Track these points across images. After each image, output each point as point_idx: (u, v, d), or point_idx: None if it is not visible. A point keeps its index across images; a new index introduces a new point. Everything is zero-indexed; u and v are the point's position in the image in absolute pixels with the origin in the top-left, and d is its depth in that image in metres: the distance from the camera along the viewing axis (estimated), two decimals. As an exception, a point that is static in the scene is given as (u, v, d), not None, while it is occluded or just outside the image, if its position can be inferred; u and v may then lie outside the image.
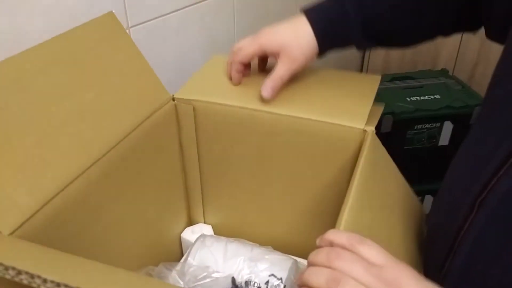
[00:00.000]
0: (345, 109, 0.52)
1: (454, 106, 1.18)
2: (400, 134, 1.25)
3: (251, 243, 0.59)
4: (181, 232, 0.66)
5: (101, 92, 0.49)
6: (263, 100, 0.54)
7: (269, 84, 0.53)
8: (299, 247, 0.62)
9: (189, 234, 0.66)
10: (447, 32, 0.55)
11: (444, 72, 1.35)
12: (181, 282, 0.43)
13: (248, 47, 0.54)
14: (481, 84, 1.38)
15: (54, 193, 0.41)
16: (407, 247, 0.46)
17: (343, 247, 0.32)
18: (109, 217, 0.50)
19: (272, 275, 0.53)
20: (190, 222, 0.69)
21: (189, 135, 0.60)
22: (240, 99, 0.56)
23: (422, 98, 1.20)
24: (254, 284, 0.53)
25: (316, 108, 0.53)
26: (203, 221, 0.68)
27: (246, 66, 0.57)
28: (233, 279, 0.42)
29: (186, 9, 0.80)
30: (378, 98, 0.53)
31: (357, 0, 0.51)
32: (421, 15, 0.52)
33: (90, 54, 0.49)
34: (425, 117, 1.16)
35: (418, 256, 0.48)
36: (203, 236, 0.60)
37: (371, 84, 0.55)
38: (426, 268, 0.45)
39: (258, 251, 0.56)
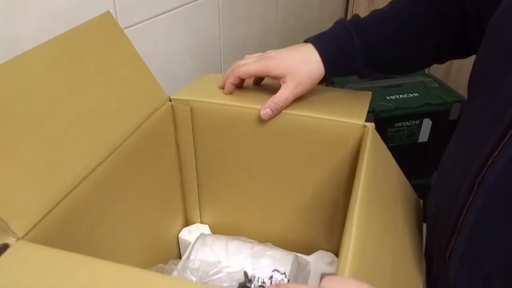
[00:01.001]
0: (343, 108, 0.53)
1: (432, 103, 1.22)
2: (381, 132, 1.28)
3: (251, 240, 0.60)
4: (178, 233, 0.66)
5: (102, 94, 0.49)
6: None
7: (270, 106, 0.54)
8: (298, 243, 0.63)
9: (187, 234, 0.66)
10: (442, 59, 0.59)
11: (421, 71, 1.40)
12: (194, 279, 0.43)
13: (253, 65, 0.55)
14: (456, 81, 1.43)
15: (63, 195, 0.41)
16: (411, 237, 0.48)
17: None
18: (113, 217, 0.49)
19: (276, 270, 0.54)
20: (187, 223, 0.69)
21: (185, 135, 0.60)
22: (237, 99, 0.57)
23: (401, 96, 1.23)
24: (258, 279, 0.53)
25: (314, 107, 0.54)
26: (199, 221, 0.68)
27: (242, 80, 0.58)
28: (246, 273, 0.43)
29: (173, 11, 0.80)
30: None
31: (361, 29, 0.54)
32: (421, 44, 0.56)
33: (90, 55, 0.49)
34: (405, 115, 1.19)
35: (421, 247, 0.49)
36: (203, 235, 0.60)
37: (363, 95, 0.58)
38: (431, 249, 0.47)
39: (259, 248, 0.57)
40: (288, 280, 0.53)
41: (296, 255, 0.57)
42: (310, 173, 0.57)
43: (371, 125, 0.51)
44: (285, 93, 0.53)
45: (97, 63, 0.50)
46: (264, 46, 1.17)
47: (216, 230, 0.66)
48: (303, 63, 0.53)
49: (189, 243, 0.64)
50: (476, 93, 0.46)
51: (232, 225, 0.66)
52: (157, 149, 0.57)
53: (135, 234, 0.55)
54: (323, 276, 0.59)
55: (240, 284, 0.42)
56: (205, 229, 0.67)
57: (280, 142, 0.56)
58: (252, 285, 0.42)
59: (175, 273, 0.45)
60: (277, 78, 0.54)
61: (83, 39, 0.49)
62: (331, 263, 0.60)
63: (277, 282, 0.53)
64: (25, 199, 0.38)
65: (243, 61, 0.57)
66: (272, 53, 0.55)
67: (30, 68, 0.43)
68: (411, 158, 1.27)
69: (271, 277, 0.53)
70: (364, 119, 0.52)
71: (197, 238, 0.60)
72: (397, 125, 1.21)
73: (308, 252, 0.62)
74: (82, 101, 0.47)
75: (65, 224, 0.41)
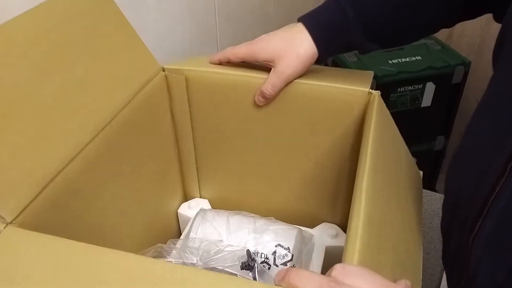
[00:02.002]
0: (347, 78, 0.50)
1: (435, 66, 1.18)
2: (383, 97, 1.26)
3: (253, 215, 0.58)
4: (177, 208, 0.64)
5: (92, 65, 0.45)
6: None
7: (260, 94, 0.52)
8: (301, 216, 0.61)
9: (186, 209, 0.64)
10: (449, 24, 0.54)
11: (423, 33, 1.35)
12: (194, 259, 0.41)
13: (240, 48, 0.52)
14: (459, 44, 1.39)
15: (53, 174, 0.39)
16: (412, 211, 0.46)
17: None
18: (108, 196, 0.47)
19: (279, 245, 0.52)
20: (186, 198, 0.67)
21: (181, 107, 0.57)
22: (234, 67, 0.54)
23: (403, 60, 1.20)
24: (261, 255, 0.52)
25: (317, 75, 0.51)
26: (199, 195, 0.66)
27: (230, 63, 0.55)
28: (248, 252, 0.41)
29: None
30: (363, 65, 0.52)
31: (355, 2, 0.49)
32: (424, 11, 0.50)
33: (77, 23, 0.46)
34: (408, 79, 1.16)
35: (420, 221, 0.47)
36: (202, 210, 0.58)
37: (366, 73, 0.53)
38: (449, 225, 0.44)
39: (261, 222, 0.55)
40: (292, 255, 0.52)
41: (300, 229, 0.55)
42: (313, 143, 0.54)
43: (377, 92, 0.48)
44: (272, 78, 0.50)
45: (85, 32, 0.46)
46: (261, 15, 1.12)
47: (216, 205, 0.65)
48: (291, 44, 0.49)
49: (189, 219, 0.62)
50: (505, 64, 0.41)
51: (233, 199, 0.64)
52: (151, 122, 0.54)
53: (131, 211, 0.53)
54: (327, 249, 0.57)
55: (243, 263, 0.40)
56: (205, 203, 0.65)
57: (281, 111, 0.53)
58: (255, 264, 0.40)
59: (174, 253, 0.44)
60: (265, 62, 0.51)
61: (69, 7, 0.46)
62: (336, 235, 0.59)
63: (281, 257, 0.52)
64: (12, 180, 0.36)
65: (233, 47, 0.54)
66: (261, 36, 0.52)
67: (13, 39, 0.40)
68: (414, 124, 1.26)
69: (274, 253, 0.52)
70: (369, 86, 0.49)
71: (197, 214, 0.58)
72: (400, 90, 1.18)
73: (311, 225, 0.60)
74: (70, 73, 0.43)
75: (56, 205, 0.39)
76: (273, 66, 0.50)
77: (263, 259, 0.52)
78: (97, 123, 0.44)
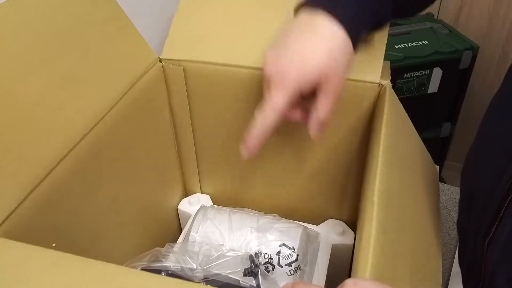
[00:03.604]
0: (356, 65, 0.47)
1: (442, 51, 1.15)
2: (388, 84, 1.23)
3: (256, 212, 0.55)
4: (177, 205, 0.62)
5: (81, 56, 0.42)
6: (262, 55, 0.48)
7: (320, 123, 0.40)
8: (306, 212, 0.59)
9: (187, 205, 0.61)
10: None
11: (429, 16, 1.31)
12: (194, 264, 0.39)
13: (277, 98, 0.37)
14: (466, 27, 1.34)
15: (40, 178, 0.36)
16: (430, 212, 0.43)
17: None
18: (102, 197, 0.45)
19: (283, 244, 0.50)
20: (186, 193, 0.64)
21: (180, 100, 0.54)
22: (236, 56, 0.50)
23: (410, 45, 1.16)
24: (264, 255, 0.49)
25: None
26: (199, 191, 0.63)
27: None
28: (252, 257, 0.39)
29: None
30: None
31: None
32: None
33: (64, 11, 0.42)
34: (414, 64, 1.13)
35: (438, 223, 0.45)
36: (203, 207, 0.56)
37: (375, 60, 0.47)
38: (466, 227, 0.42)
39: (264, 220, 0.53)
40: (297, 256, 0.49)
41: (305, 227, 0.53)
42: (319, 139, 0.51)
43: (387, 84, 0.45)
44: (327, 105, 0.38)
45: (73, 20, 0.43)
46: None
47: (218, 201, 0.62)
48: (328, 53, 0.35)
49: (189, 215, 0.60)
50: None
51: (235, 195, 0.61)
52: (148, 116, 0.51)
53: (129, 211, 0.50)
54: (334, 247, 0.55)
55: (246, 269, 0.38)
56: (205, 199, 0.62)
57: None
58: (259, 270, 0.38)
59: (172, 257, 0.41)
60: (312, 91, 0.38)
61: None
62: (342, 233, 0.56)
63: (285, 257, 0.49)
64: (-4, 184, 0.33)
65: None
66: (278, 54, 0.37)
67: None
68: (420, 110, 1.22)
69: (278, 253, 0.49)
70: (380, 75, 0.45)
71: (198, 211, 0.55)
72: (406, 76, 1.14)
73: (317, 222, 0.58)
74: (57, 65, 0.40)
75: (45, 210, 0.37)
76: (319, 91, 0.38)
77: (266, 259, 0.49)
78: (88, 119, 0.42)
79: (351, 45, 0.37)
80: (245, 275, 0.38)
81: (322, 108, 0.38)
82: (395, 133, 0.41)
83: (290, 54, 0.36)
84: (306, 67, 0.35)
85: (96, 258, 0.44)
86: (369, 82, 0.45)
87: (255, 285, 0.38)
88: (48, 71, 0.39)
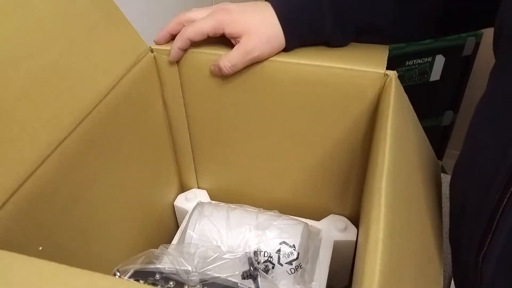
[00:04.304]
0: (359, 55, 0.44)
1: (446, 38, 1.11)
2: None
3: (255, 208, 0.53)
4: (174, 200, 0.60)
5: (66, 47, 0.40)
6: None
7: (218, 68, 0.46)
8: (307, 208, 0.57)
9: (183, 201, 0.59)
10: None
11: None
12: (189, 268, 0.37)
13: (204, 22, 0.44)
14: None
15: (23, 178, 0.33)
16: (432, 214, 0.41)
17: None
18: (92, 196, 0.42)
19: (284, 242, 0.48)
20: (183, 189, 0.62)
21: (173, 92, 0.52)
22: (232, 44, 0.47)
23: (412, 31, 1.12)
24: (264, 254, 0.47)
25: (324, 55, 0.45)
26: (196, 186, 0.61)
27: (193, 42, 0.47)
28: (250, 259, 0.37)
29: None
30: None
31: None
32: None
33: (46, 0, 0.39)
34: (417, 52, 1.10)
35: (440, 226, 0.42)
36: (200, 204, 0.53)
37: (380, 49, 0.46)
38: (458, 237, 0.39)
39: (264, 217, 0.50)
40: (298, 254, 0.47)
41: (306, 224, 0.51)
42: (321, 132, 0.49)
43: (393, 74, 0.42)
44: (235, 58, 0.45)
45: (56, 10, 0.40)
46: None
47: (216, 196, 0.60)
48: (263, 25, 0.44)
49: (186, 212, 0.58)
50: (503, 63, 0.35)
51: (233, 190, 0.59)
52: (140, 110, 0.49)
53: (122, 209, 0.48)
54: (336, 243, 0.53)
55: (244, 272, 0.36)
56: (202, 195, 0.60)
57: (284, 96, 0.47)
58: (258, 273, 0.36)
59: (166, 259, 0.39)
60: (231, 36, 0.45)
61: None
62: (345, 229, 0.54)
63: (286, 255, 0.47)
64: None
65: (191, 14, 0.46)
66: (227, 6, 0.45)
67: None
68: (422, 99, 1.19)
69: (278, 251, 0.47)
70: (385, 64, 0.43)
71: (194, 208, 0.53)
72: (408, 63, 1.12)
73: (318, 217, 0.56)
74: (40, 59, 0.38)
75: (29, 213, 0.34)
76: (238, 42, 0.44)
77: (266, 258, 0.47)
78: (74, 115, 0.39)
79: (282, 36, 0.44)
80: (243, 278, 0.36)
81: (226, 56, 0.45)
82: (402, 128, 0.38)
83: (236, 8, 0.45)
84: (240, 17, 0.44)
85: (87, 260, 0.42)
86: (374, 72, 0.42)
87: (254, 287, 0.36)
88: (30, 65, 0.37)
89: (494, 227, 0.33)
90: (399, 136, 0.37)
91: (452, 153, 1.46)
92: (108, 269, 0.43)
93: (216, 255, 0.39)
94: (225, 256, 0.39)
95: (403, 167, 0.36)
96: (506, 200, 0.32)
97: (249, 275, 0.36)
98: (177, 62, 0.49)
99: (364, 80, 0.43)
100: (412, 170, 0.39)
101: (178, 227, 0.60)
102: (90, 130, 0.41)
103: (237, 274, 0.37)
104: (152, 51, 0.49)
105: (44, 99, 0.37)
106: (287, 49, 0.46)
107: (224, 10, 0.45)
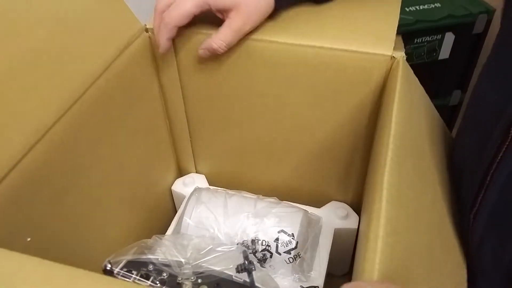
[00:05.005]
0: (364, 32, 0.42)
1: (456, 15, 1.07)
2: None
3: (253, 195, 0.51)
4: (171, 185, 0.58)
5: (55, 28, 0.37)
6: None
7: (208, 48, 0.43)
8: (307, 194, 0.55)
9: (181, 186, 0.58)
10: None
11: (443, -24, 1.23)
12: (182, 260, 0.36)
13: (187, 2, 0.41)
14: (482, -12, 1.26)
15: (9, 167, 0.32)
16: (448, 196, 0.39)
17: None
18: (84, 183, 0.41)
19: (282, 231, 0.46)
20: (181, 173, 0.60)
21: (169, 73, 0.50)
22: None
23: (421, 7, 1.09)
24: (262, 242, 0.46)
25: (326, 33, 0.43)
26: (194, 170, 0.60)
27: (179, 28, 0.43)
28: (245, 253, 0.35)
29: None
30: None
31: None
32: None
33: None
34: (426, 29, 1.06)
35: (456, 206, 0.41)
36: (197, 190, 0.52)
37: (388, 27, 0.43)
38: (458, 211, 0.39)
39: (262, 204, 0.49)
40: (297, 243, 0.46)
41: (306, 212, 0.49)
42: (322, 116, 0.47)
43: (401, 56, 0.39)
44: (227, 35, 0.41)
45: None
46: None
47: (214, 181, 0.58)
48: (254, 2, 0.41)
49: (184, 197, 0.56)
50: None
51: (232, 175, 0.57)
52: (134, 93, 0.47)
53: (116, 196, 0.47)
54: (336, 231, 0.51)
55: (239, 266, 0.35)
56: (201, 179, 0.58)
57: (285, 79, 0.45)
58: (253, 267, 0.35)
59: (159, 250, 0.38)
60: (220, 11, 0.42)
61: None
62: (346, 216, 0.52)
63: (284, 244, 0.46)
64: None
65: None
66: None
67: None
68: (430, 77, 1.16)
69: (277, 239, 0.46)
70: (393, 46, 0.40)
71: (191, 194, 0.51)
72: (417, 41, 1.08)
73: (319, 204, 0.54)
74: (27, 40, 0.36)
75: (16, 203, 0.33)
76: (228, 17, 0.41)
77: (264, 247, 0.46)
78: (64, 99, 0.37)
79: (273, 3, 0.42)
80: (238, 271, 0.35)
81: (218, 35, 0.41)
82: (409, 113, 0.36)
83: None
84: None
85: (79, 250, 0.41)
86: (380, 54, 0.40)
87: (248, 281, 0.35)
88: (16, 46, 0.35)
89: (487, 183, 0.33)
90: (405, 122, 0.34)
91: (459, 133, 1.44)
92: (102, 258, 0.41)
93: (210, 247, 0.37)
94: (219, 249, 0.37)
95: (410, 156, 0.34)
96: (501, 154, 0.32)
97: (244, 268, 0.34)
98: (173, 42, 0.47)
99: (369, 63, 0.40)
100: (423, 157, 0.37)
101: (176, 212, 0.58)
102: (80, 115, 0.39)
103: (231, 267, 0.35)
104: (147, 30, 0.46)
105: (31, 82, 0.35)
106: (277, 8, 0.43)
107: None
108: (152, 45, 0.47)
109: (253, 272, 0.34)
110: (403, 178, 0.31)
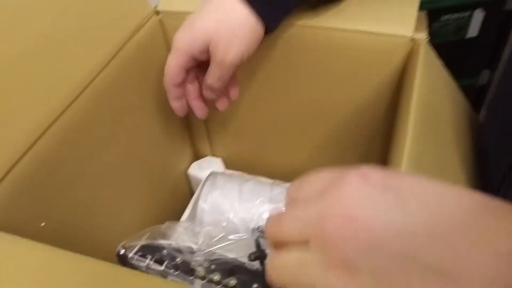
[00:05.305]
0: (383, 11, 0.40)
1: (487, -10, 1.02)
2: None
3: (269, 180, 0.50)
4: (187, 169, 0.58)
5: (62, 13, 0.37)
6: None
7: (209, 88, 0.40)
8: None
9: (197, 170, 0.57)
10: None
11: None
12: (193, 246, 0.35)
13: (170, 61, 0.39)
14: (515, -39, 1.19)
15: (19, 154, 0.32)
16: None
17: None
18: (98, 166, 0.41)
19: (298, 218, 0.45)
20: (197, 156, 0.60)
21: (184, 56, 0.48)
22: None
23: (449, -18, 1.04)
24: (277, 229, 0.45)
25: (342, 14, 0.41)
26: (210, 154, 0.59)
27: (189, 81, 0.42)
28: (257, 241, 0.34)
29: None
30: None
31: None
32: None
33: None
34: (454, 5, 1.01)
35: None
36: (213, 174, 0.51)
37: (409, 7, 0.40)
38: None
39: (278, 190, 0.48)
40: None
41: (323, 198, 0.48)
42: (340, 99, 0.45)
43: (422, 38, 0.37)
44: (215, 71, 0.38)
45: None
46: None
47: (230, 164, 0.57)
48: (223, 22, 0.36)
49: (200, 180, 0.56)
50: None
51: (249, 159, 0.56)
52: (146, 77, 0.46)
53: (131, 180, 0.47)
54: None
55: (251, 254, 0.34)
56: (217, 163, 0.58)
57: (302, 62, 0.44)
58: (266, 256, 0.34)
59: (172, 237, 0.37)
60: (203, 54, 0.38)
61: None
62: (365, 203, 0.51)
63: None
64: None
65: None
66: (186, 20, 0.39)
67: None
68: (458, 57, 1.12)
69: (292, 226, 0.45)
70: (414, 27, 0.38)
71: (207, 179, 0.51)
72: (443, 18, 1.03)
73: (337, 190, 0.53)
74: (32, 26, 0.35)
75: (29, 188, 0.33)
76: (211, 55, 0.38)
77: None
78: (74, 85, 0.37)
79: (257, 22, 0.37)
80: (250, 260, 0.35)
81: (208, 74, 0.39)
82: (430, 99, 0.34)
83: (186, 22, 0.38)
84: (192, 30, 0.37)
85: (93, 235, 0.41)
86: (400, 36, 0.38)
87: (261, 270, 0.34)
88: (21, 33, 0.34)
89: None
90: (425, 110, 0.33)
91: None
92: (118, 242, 0.42)
93: (221, 235, 0.37)
94: (231, 237, 0.37)
95: (432, 145, 0.32)
96: None
97: (256, 257, 0.34)
98: (186, 24, 0.45)
99: (388, 45, 0.38)
100: (445, 146, 0.35)
101: (192, 195, 0.58)
102: (91, 101, 0.38)
103: (243, 256, 0.35)
104: (158, 13, 0.45)
105: (40, 69, 0.35)
106: (270, 29, 0.39)
107: (181, 30, 0.38)
108: (163, 28, 0.46)
109: (265, 260, 0.34)
110: (423, 170, 0.29)
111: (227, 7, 0.36)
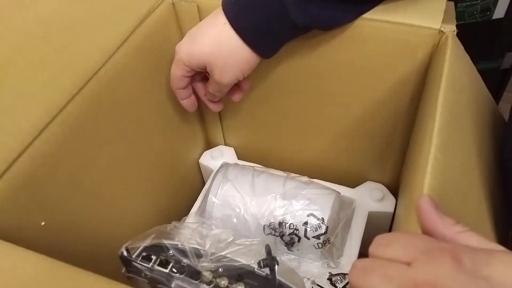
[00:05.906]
0: (411, 1, 0.37)
1: (517, -32, 0.97)
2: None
3: (283, 173, 0.49)
4: (199, 158, 0.56)
5: None
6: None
7: (211, 97, 0.45)
8: (341, 173, 0.52)
9: (208, 159, 0.56)
10: None
11: None
12: (201, 250, 0.34)
13: (173, 70, 0.42)
14: None
15: (20, 148, 0.31)
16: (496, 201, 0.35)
17: None
18: (104, 160, 0.39)
19: (312, 214, 0.44)
20: (209, 145, 0.58)
21: (196, 42, 0.46)
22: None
23: (477, -39, 0.98)
24: (290, 226, 0.44)
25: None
26: (223, 143, 0.57)
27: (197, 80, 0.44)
28: (268, 247, 0.33)
29: None
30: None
31: None
32: None
33: None
34: (481, -15, 0.96)
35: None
36: (224, 166, 0.50)
37: None
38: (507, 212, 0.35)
39: (292, 185, 0.46)
40: (327, 228, 0.43)
41: (338, 193, 0.46)
42: (361, 91, 0.43)
43: (451, 31, 0.34)
44: (213, 84, 0.41)
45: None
46: None
47: (243, 155, 0.56)
48: (217, 48, 0.38)
49: (211, 170, 0.54)
50: None
51: (262, 149, 0.55)
52: (157, 64, 0.44)
53: (143, 169, 0.45)
54: (370, 215, 0.48)
55: (261, 261, 0.32)
56: (229, 152, 0.56)
57: (320, 51, 0.41)
58: (276, 264, 0.32)
59: (177, 239, 0.36)
60: (201, 69, 0.41)
61: None
62: (382, 199, 0.49)
63: (313, 229, 0.43)
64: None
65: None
66: (188, 35, 0.40)
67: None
68: (482, 38, 1.07)
69: (305, 223, 0.44)
70: (441, 18, 0.35)
71: (218, 170, 0.49)
72: (469, -1, 0.98)
73: (353, 184, 0.51)
74: (36, 10, 0.33)
75: (29, 185, 0.32)
76: (209, 73, 0.41)
77: (292, 230, 0.44)
78: (78, 76, 0.35)
79: (251, 53, 0.38)
80: (260, 266, 0.33)
81: (209, 85, 0.42)
82: (457, 98, 0.31)
83: (189, 36, 0.40)
84: (193, 51, 0.39)
85: (97, 234, 0.40)
86: (427, 27, 0.35)
87: (270, 277, 0.33)
88: (24, 18, 0.32)
89: None
90: (452, 110, 0.30)
91: (510, 96, 1.34)
92: (124, 236, 0.40)
93: (230, 240, 0.35)
94: (239, 241, 0.35)
95: (457, 150, 0.30)
96: None
97: (266, 264, 0.32)
98: (198, 10, 0.43)
99: (414, 37, 0.35)
100: (471, 151, 0.33)
101: (204, 185, 0.57)
102: (97, 91, 0.37)
103: (252, 262, 0.33)
104: (169, -4, 0.43)
105: (42, 57, 0.33)
106: (267, 57, 0.40)
107: (182, 44, 0.40)
108: (176, 13, 0.44)
109: (276, 268, 0.32)
110: (448, 178, 0.27)
111: (223, 37, 0.37)
